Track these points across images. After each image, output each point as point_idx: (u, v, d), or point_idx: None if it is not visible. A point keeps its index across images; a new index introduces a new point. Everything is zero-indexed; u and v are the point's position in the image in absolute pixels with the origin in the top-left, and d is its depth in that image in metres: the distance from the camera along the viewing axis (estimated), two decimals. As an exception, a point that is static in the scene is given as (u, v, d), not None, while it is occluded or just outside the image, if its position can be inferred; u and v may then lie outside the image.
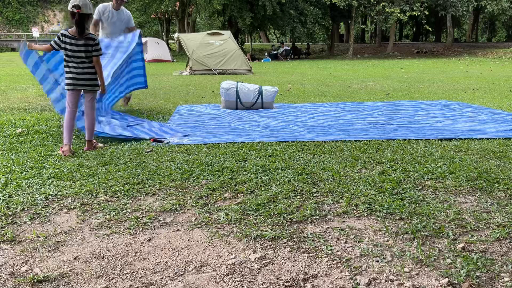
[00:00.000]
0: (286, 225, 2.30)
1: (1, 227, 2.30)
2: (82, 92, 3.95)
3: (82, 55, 3.80)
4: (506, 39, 46.32)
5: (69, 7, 3.73)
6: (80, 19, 3.71)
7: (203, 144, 4.16)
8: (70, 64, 3.81)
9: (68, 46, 3.76)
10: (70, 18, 3.76)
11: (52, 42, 3.81)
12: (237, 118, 5.65)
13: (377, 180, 2.99)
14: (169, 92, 8.81)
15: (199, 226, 2.31)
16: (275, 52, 27.81)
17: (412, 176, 3.09)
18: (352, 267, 1.86)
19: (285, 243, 2.10)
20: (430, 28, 30.89)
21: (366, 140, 4.26)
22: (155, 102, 7.27)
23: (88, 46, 3.81)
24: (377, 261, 1.92)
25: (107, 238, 2.17)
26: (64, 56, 3.82)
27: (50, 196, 2.73)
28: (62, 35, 3.77)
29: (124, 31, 6.07)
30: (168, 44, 30.45)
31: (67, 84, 3.83)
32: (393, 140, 4.26)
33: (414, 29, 45.19)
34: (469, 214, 2.41)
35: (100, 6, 6.04)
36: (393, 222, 2.33)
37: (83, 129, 4.07)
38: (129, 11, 6.32)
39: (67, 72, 3.82)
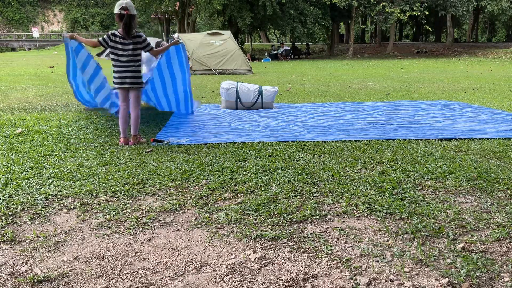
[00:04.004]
0: (286, 225, 2.29)
1: (1, 227, 2.30)
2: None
3: (129, 53, 4.03)
4: (506, 39, 46.31)
5: (116, 10, 3.97)
6: (129, 20, 3.93)
7: (203, 144, 4.16)
8: (118, 64, 4.05)
9: (118, 45, 4.01)
10: (117, 20, 4.02)
11: (100, 39, 4.05)
12: (237, 118, 5.65)
13: (377, 180, 2.99)
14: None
15: (199, 226, 2.31)
16: (275, 52, 27.79)
17: (412, 176, 3.09)
18: (352, 267, 1.86)
19: (285, 243, 2.10)
20: (430, 28, 30.85)
21: (366, 140, 4.26)
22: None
23: (137, 43, 4.05)
24: (377, 261, 1.92)
25: (107, 238, 2.17)
26: (112, 56, 4.07)
27: (50, 196, 2.73)
28: (113, 34, 4.03)
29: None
30: (168, 44, 30.40)
31: (115, 83, 4.09)
32: (393, 140, 4.26)
33: (414, 29, 45.18)
34: (469, 214, 2.41)
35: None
36: (393, 222, 2.33)
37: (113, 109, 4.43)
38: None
39: (115, 72, 4.06)
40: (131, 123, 4.17)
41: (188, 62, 5.92)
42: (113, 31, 4.03)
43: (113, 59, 4.07)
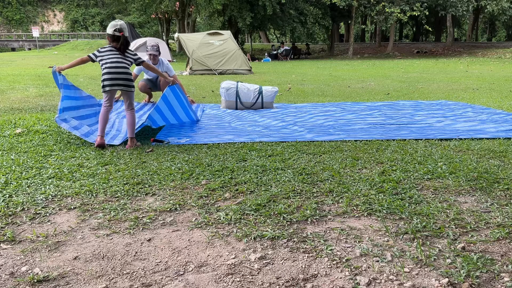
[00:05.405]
0: (286, 225, 2.29)
1: (1, 227, 2.30)
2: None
3: (121, 56, 4.02)
4: (506, 39, 46.32)
5: (110, 31, 3.99)
6: (124, 40, 4.00)
7: (203, 144, 4.16)
8: (108, 65, 3.98)
9: (108, 53, 4.01)
10: (109, 40, 4.04)
11: (90, 54, 4.08)
12: (237, 118, 5.65)
13: (377, 180, 2.99)
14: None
15: (199, 226, 2.31)
16: (275, 52, 27.81)
17: (412, 176, 3.09)
18: (352, 267, 1.86)
19: (285, 243, 2.10)
20: (430, 28, 30.89)
21: (366, 140, 4.26)
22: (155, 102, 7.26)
23: (128, 56, 4.09)
24: (377, 261, 1.92)
25: (107, 238, 2.17)
26: (101, 62, 4.01)
27: (50, 196, 2.73)
28: (102, 47, 4.07)
29: (160, 78, 6.49)
30: (168, 44, 30.44)
31: (104, 86, 4.01)
32: (393, 140, 4.26)
33: (414, 29, 45.19)
34: (469, 214, 2.41)
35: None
36: (393, 222, 2.33)
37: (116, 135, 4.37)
38: (167, 62, 6.74)
39: (104, 74, 4.00)
40: (128, 125, 4.09)
41: (188, 99, 6.02)
42: (103, 47, 4.10)
43: (103, 64, 3.99)
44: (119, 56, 4.01)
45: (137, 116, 5.43)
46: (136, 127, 4.27)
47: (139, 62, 4.22)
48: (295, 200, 2.64)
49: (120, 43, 3.98)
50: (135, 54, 4.18)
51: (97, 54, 4.04)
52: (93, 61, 4.04)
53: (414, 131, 4.72)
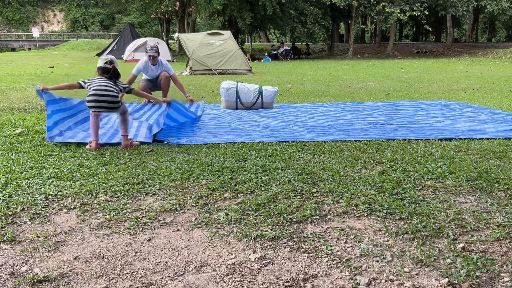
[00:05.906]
0: (286, 225, 2.29)
1: (1, 227, 2.30)
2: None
3: (109, 84, 4.03)
4: (506, 39, 46.34)
5: (101, 64, 4.06)
6: (115, 71, 4.08)
7: (203, 144, 4.16)
8: (95, 87, 3.98)
9: (96, 80, 4.03)
10: (99, 73, 4.08)
11: (80, 81, 4.09)
12: (237, 118, 5.65)
13: (377, 180, 2.99)
14: (169, 92, 8.78)
15: (199, 226, 2.31)
16: (275, 52, 27.80)
17: (412, 176, 3.09)
18: (352, 267, 1.86)
19: (285, 243, 2.10)
20: (430, 28, 30.90)
21: (366, 140, 4.26)
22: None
23: (118, 84, 4.11)
24: (377, 261, 1.92)
25: (107, 238, 2.17)
26: (90, 86, 4.01)
27: (50, 196, 2.73)
28: (92, 78, 4.10)
29: (161, 77, 6.74)
30: (168, 44, 30.43)
31: (90, 107, 3.99)
32: (393, 140, 4.26)
33: (414, 29, 45.20)
34: (469, 214, 2.41)
35: (141, 64, 6.72)
36: (393, 222, 2.33)
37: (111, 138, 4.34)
38: (166, 62, 6.87)
39: (89, 95, 3.98)
40: (120, 123, 4.11)
41: (188, 99, 6.17)
42: (92, 78, 4.14)
43: (91, 88, 3.98)
44: (108, 81, 4.03)
45: (137, 117, 5.46)
46: (141, 140, 4.25)
47: (128, 90, 4.28)
48: (295, 200, 2.64)
49: (110, 73, 4.04)
50: (125, 84, 4.25)
51: (86, 81, 4.06)
52: (82, 87, 4.05)
53: (414, 131, 4.72)
